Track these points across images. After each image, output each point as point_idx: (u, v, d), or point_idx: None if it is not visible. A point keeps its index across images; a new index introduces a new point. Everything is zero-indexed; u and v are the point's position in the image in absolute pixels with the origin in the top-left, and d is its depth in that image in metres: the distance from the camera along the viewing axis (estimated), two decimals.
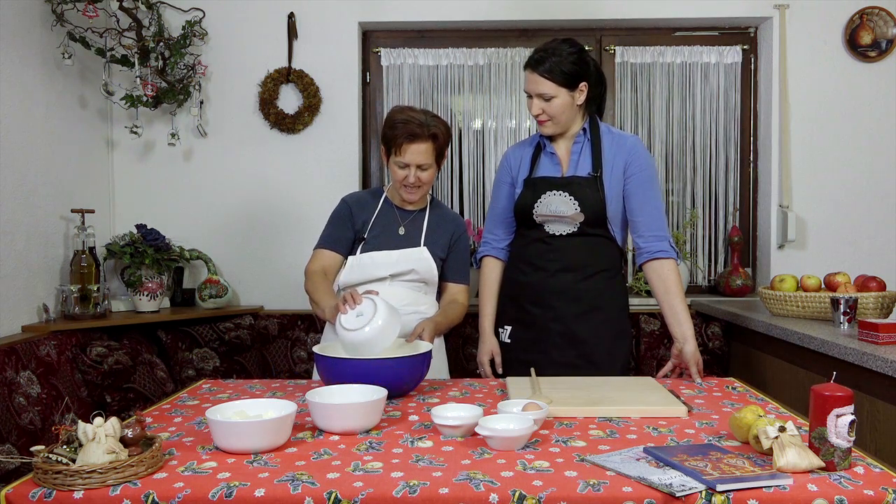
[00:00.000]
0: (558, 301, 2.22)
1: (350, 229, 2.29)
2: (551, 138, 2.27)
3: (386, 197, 2.33)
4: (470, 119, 3.54)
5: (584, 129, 2.24)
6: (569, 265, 2.22)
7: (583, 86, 2.18)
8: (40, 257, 2.71)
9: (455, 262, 2.35)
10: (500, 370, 2.33)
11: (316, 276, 2.20)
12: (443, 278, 2.34)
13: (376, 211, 2.30)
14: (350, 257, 2.27)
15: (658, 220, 2.22)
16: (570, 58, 2.14)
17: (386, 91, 3.51)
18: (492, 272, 2.40)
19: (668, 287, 2.18)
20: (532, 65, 2.16)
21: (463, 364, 3.11)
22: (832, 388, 1.32)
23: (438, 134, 2.16)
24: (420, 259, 2.25)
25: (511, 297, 2.33)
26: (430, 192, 2.38)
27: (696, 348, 2.11)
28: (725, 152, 3.51)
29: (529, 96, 2.20)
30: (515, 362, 2.28)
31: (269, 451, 1.43)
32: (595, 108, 2.29)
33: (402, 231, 2.28)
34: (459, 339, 3.14)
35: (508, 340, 2.31)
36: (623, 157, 2.21)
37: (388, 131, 2.18)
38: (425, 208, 2.33)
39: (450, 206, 3.55)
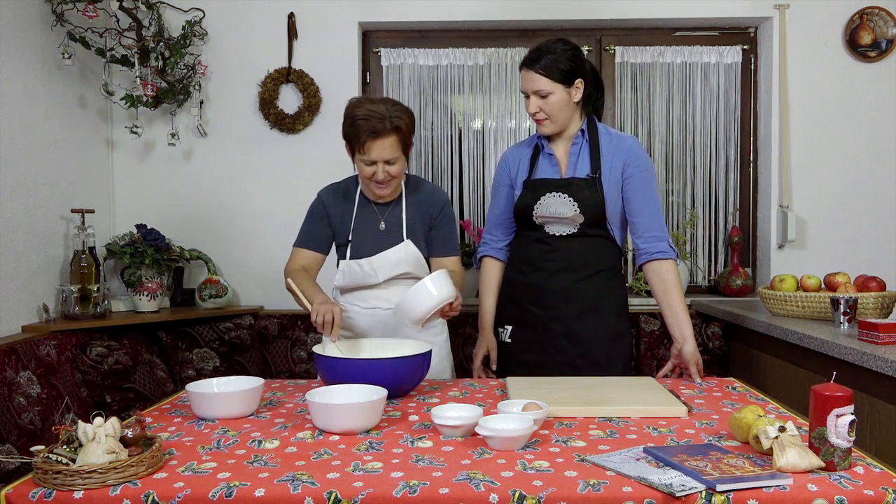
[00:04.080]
0: (559, 301, 2.23)
1: (327, 227, 2.25)
2: (549, 139, 2.27)
3: (360, 191, 2.25)
4: (470, 119, 3.54)
5: (582, 130, 2.24)
6: (569, 265, 2.22)
7: (579, 83, 2.18)
8: (40, 257, 2.71)
9: (440, 235, 2.23)
10: (494, 367, 2.34)
11: (298, 274, 2.17)
12: (431, 254, 2.25)
13: (354, 209, 2.23)
14: (341, 262, 2.24)
15: (657, 220, 2.22)
16: (566, 54, 2.16)
17: (386, 91, 3.51)
18: (491, 272, 2.40)
19: (667, 287, 2.18)
20: (528, 63, 2.18)
21: (463, 364, 3.11)
22: (832, 388, 1.32)
23: (402, 125, 2.04)
24: (407, 256, 2.20)
25: (511, 298, 2.33)
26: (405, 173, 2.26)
27: (695, 348, 2.11)
28: (725, 152, 3.51)
29: (527, 96, 2.20)
30: (516, 362, 2.28)
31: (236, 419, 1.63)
32: (592, 108, 2.29)
33: (382, 226, 2.21)
34: (459, 339, 3.15)
35: (509, 340, 2.31)
36: (621, 158, 2.21)
37: (348, 129, 2.08)
38: (401, 196, 2.23)
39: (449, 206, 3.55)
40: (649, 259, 2.21)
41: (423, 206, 2.23)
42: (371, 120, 2.01)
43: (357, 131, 2.04)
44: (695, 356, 2.10)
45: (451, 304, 1.98)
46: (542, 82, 2.15)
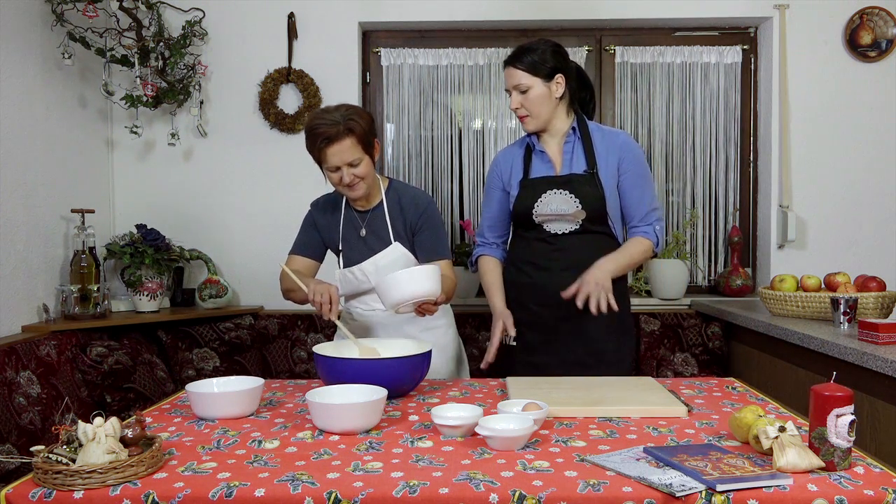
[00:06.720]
0: (565, 299, 2.21)
1: (317, 235, 2.29)
2: (539, 137, 2.29)
3: (346, 201, 2.28)
4: (470, 119, 3.54)
5: (573, 128, 2.26)
6: (573, 263, 2.21)
7: (559, 78, 2.20)
8: (40, 257, 2.71)
9: (423, 240, 2.22)
10: (513, 332, 2.23)
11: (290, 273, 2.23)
12: (419, 260, 2.23)
13: (341, 218, 2.27)
14: (336, 271, 2.28)
15: (653, 214, 2.27)
16: (546, 51, 2.20)
17: (386, 91, 3.51)
18: (489, 264, 2.36)
19: (626, 246, 2.22)
20: (508, 60, 2.23)
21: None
22: (832, 388, 1.32)
23: (355, 126, 2.04)
24: (396, 258, 2.20)
25: (516, 300, 2.30)
26: (385, 179, 2.29)
27: (602, 274, 2.09)
28: (725, 152, 3.52)
29: (510, 93, 2.24)
30: (523, 365, 2.24)
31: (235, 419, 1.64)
32: (582, 108, 2.31)
33: (363, 233, 2.24)
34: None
35: (514, 343, 2.27)
36: (616, 154, 2.23)
37: (307, 142, 2.09)
38: (381, 201, 2.24)
39: (449, 206, 3.55)
40: (633, 235, 2.27)
41: (404, 210, 2.23)
42: (323, 127, 2.03)
43: (313, 141, 2.06)
44: (594, 278, 2.07)
45: (433, 302, 1.98)
46: (521, 76, 2.18)
